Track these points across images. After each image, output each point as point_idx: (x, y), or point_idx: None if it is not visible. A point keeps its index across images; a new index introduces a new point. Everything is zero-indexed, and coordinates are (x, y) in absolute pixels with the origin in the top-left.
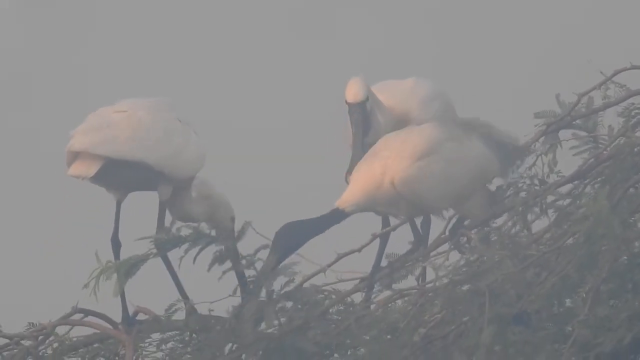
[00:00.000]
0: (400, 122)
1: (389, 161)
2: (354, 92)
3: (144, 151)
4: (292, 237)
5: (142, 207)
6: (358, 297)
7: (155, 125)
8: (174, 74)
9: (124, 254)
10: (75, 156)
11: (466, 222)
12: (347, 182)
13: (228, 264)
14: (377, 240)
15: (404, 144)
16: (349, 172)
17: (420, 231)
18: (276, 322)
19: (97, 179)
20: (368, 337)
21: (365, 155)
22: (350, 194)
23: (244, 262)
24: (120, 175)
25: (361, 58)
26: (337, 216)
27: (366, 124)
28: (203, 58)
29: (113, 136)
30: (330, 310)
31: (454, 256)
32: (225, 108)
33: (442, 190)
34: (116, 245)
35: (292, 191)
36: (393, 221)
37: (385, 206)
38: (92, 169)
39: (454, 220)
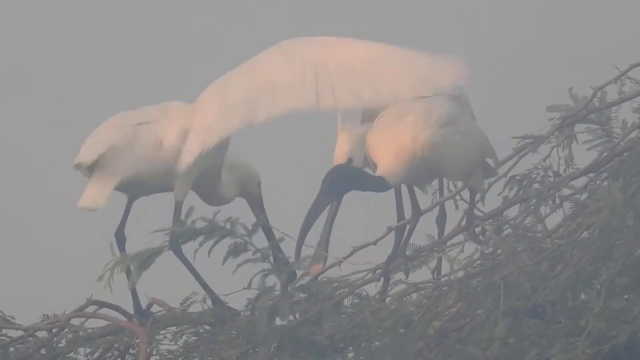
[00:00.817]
0: None
1: (417, 127)
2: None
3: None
4: (342, 179)
5: (150, 203)
6: (371, 290)
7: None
8: (173, 71)
9: (136, 247)
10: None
11: (480, 214)
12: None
13: (242, 257)
14: (393, 234)
15: (429, 113)
16: (315, 261)
17: (437, 226)
18: (291, 316)
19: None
20: (381, 330)
21: (384, 120)
22: (386, 163)
23: (259, 255)
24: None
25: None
26: (381, 185)
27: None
28: (204, 55)
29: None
30: (345, 303)
31: (469, 248)
32: None
33: (459, 158)
34: (121, 239)
35: (296, 190)
36: (408, 215)
37: (417, 172)
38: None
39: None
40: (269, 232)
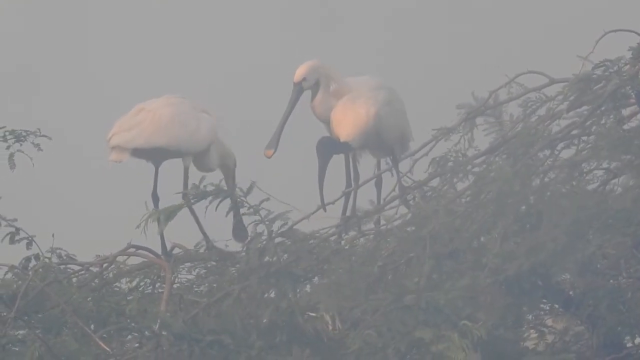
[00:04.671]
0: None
1: (368, 105)
2: (296, 72)
3: (163, 141)
4: (325, 145)
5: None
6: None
7: (172, 120)
8: (173, 68)
9: (165, 204)
10: (113, 147)
11: (408, 185)
12: (266, 156)
13: (241, 211)
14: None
15: (375, 94)
16: (268, 147)
17: (375, 188)
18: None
19: (134, 156)
20: (341, 270)
21: (345, 103)
22: (347, 131)
23: (251, 210)
24: (152, 153)
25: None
26: (345, 147)
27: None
28: (205, 52)
29: (139, 133)
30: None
31: (402, 210)
32: (225, 105)
33: (396, 128)
34: (155, 199)
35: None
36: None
37: (368, 138)
38: (126, 155)
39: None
40: (234, 200)
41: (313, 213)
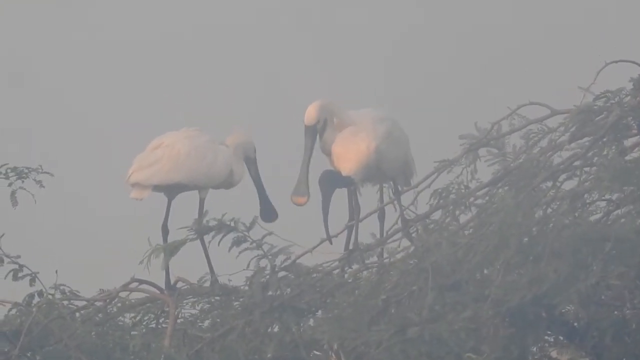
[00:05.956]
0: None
1: (369, 139)
2: (306, 116)
3: (182, 176)
4: (328, 177)
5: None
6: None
7: (189, 154)
8: (174, 71)
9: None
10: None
11: (410, 218)
12: (297, 204)
13: (244, 246)
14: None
15: (376, 128)
16: (299, 194)
17: (378, 221)
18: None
19: (154, 191)
20: (345, 304)
21: (346, 136)
22: (349, 166)
23: (254, 244)
24: (171, 188)
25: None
26: (348, 181)
27: (314, 142)
28: (208, 53)
29: (157, 170)
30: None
31: (404, 242)
32: (227, 105)
33: (398, 161)
34: (165, 231)
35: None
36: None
37: (370, 172)
38: (146, 192)
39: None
40: (259, 185)
41: (316, 247)
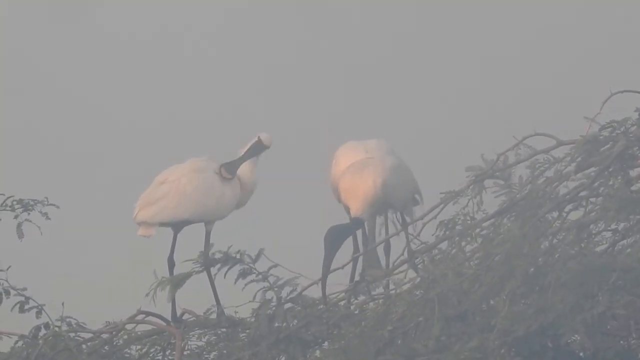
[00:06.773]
0: None
1: (375, 175)
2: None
3: (189, 213)
4: (334, 235)
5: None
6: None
7: (195, 189)
8: (174, 75)
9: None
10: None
11: (416, 248)
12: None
13: (250, 278)
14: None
15: (382, 162)
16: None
17: (384, 254)
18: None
19: (161, 226)
20: (352, 335)
21: (351, 170)
22: (356, 205)
23: (260, 276)
24: (177, 223)
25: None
26: (357, 225)
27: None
28: (208, 54)
29: (164, 207)
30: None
31: (410, 273)
32: (227, 105)
33: (403, 193)
34: (171, 264)
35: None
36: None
37: (377, 207)
38: (153, 230)
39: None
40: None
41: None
